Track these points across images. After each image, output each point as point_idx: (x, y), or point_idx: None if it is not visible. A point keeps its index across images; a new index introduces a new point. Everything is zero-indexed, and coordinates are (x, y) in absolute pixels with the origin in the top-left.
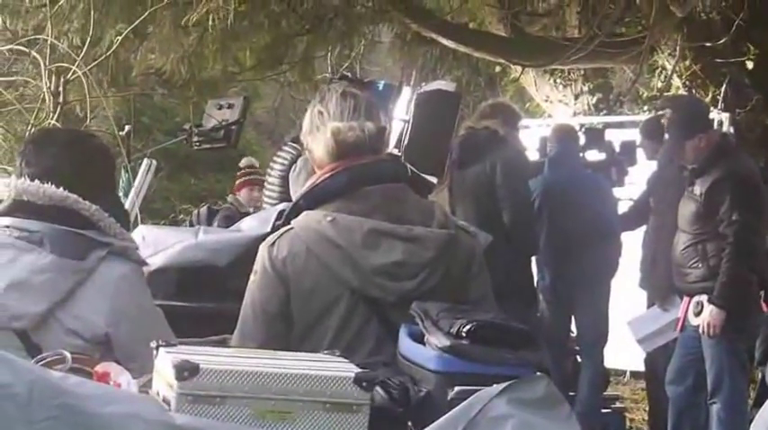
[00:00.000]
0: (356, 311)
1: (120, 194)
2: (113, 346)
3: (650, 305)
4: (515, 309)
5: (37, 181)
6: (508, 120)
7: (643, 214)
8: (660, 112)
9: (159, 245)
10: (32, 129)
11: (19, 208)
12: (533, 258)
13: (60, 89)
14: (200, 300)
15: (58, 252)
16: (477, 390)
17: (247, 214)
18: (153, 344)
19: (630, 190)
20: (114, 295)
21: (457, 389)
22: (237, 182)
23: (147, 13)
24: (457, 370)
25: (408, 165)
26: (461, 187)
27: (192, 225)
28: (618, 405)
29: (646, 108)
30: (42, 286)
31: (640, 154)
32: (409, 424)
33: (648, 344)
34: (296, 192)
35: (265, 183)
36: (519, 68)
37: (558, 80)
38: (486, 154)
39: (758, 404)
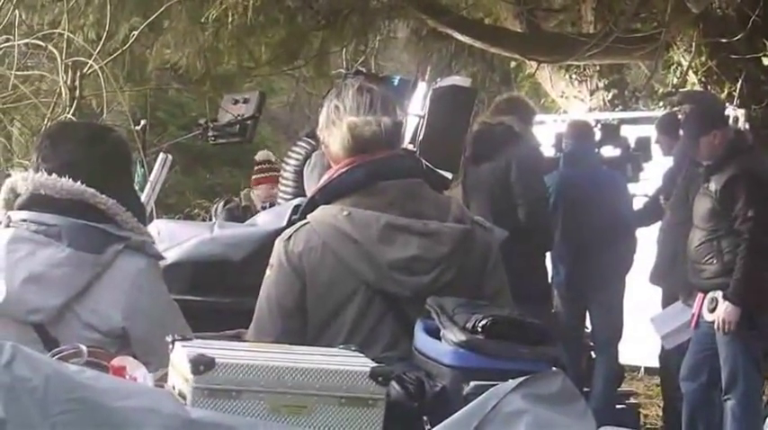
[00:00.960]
0: (372, 306)
1: (136, 189)
2: (130, 341)
3: (665, 301)
4: (530, 304)
5: (54, 175)
6: (523, 115)
7: (658, 210)
8: (677, 108)
9: (174, 239)
10: (48, 124)
11: (36, 202)
12: (548, 254)
13: (76, 83)
14: (215, 295)
15: (75, 246)
16: (492, 386)
17: (247, 208)
18: (168, 339)
19: (646, 186)
20: (131, 289)
21: (472, 384)
22: (255, 177)
23: (162, 8)
24: (472, 365)
25: (423, 161)
26: (475, 183)
27: (211, 218)
28: (632, 401)
29: (661, 104)
30: (60, 280)
31: (656, 150)
32: (425, 418)
33: (672, 340)
34: (310, 187)
35: (280, 178)
36: (534, 64)
37: (574, 76)
38: (501, 150)
39: None
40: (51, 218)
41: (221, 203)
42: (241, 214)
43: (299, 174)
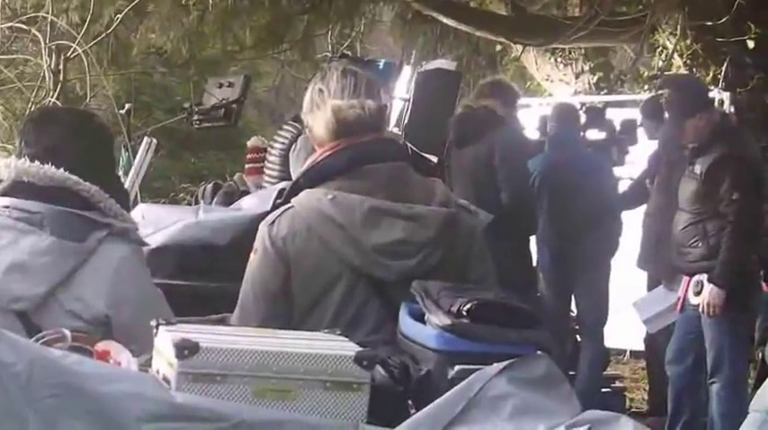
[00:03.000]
0: (357, 290)
1: (120, 173)
2: (113, 328)
3: (650, 285)
4: (514, 289)
5: (37, 161)
6: (506, 99)
7: (643, 193)
8: (660, 92)
9: (159, 223)
10: (32, 108)
11: (19, 189)
12: (533, 238)
13: (60, 67)
14: (200, 279)
15: (57, 234)
16: (477, 369)
17: (247, 193)
18: (153, 323)
19: (631, 169)
20: (114, 277)
21: (457, 367)
22: (247, 166)
23: None
24: (457, 348)
25: (409, 144)
26: (458, 167)
27: (197, 202)
28: (618, 384)
29: (646, 87)
30: (43, 268)
31: (641, 133)
32: (409, 402)
33: (654, 324)
34: (296, 172)
35: (266, 162)
36: (520, 47)
37: (559, 59)
38: (484, 134)
39: (758, 384)
40: (34, 205)
41: (209, 186)
42: (238, 198)
43: (284, 158)
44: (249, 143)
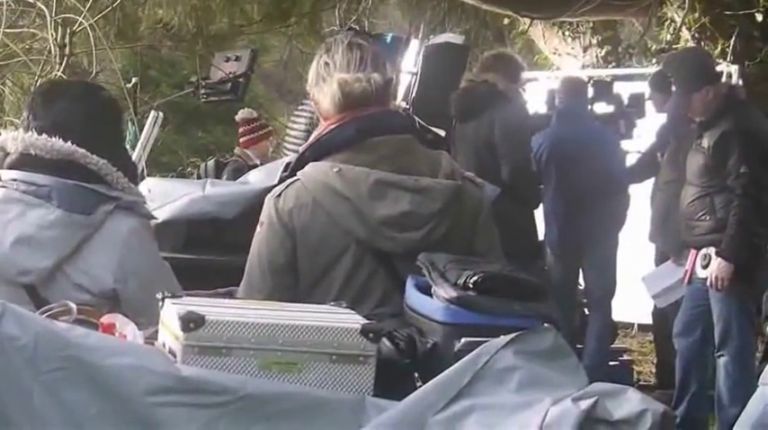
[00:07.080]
0: (363, 263)
1: (127, 147)
2: (121, 301)
3: (659, 259)
4: (519, 262)
5: (45, 135)
6: (509, 72)
7: (651, 167)
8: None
9: (166, 197)
10: (39, 82)
11: (26, 162)
12: (541, 211)
13: (66, 41)
14: (206, 253)
15: (65, 206)
16: (484, 342)
17: (255, 166)
18: (159, 296)
19: (638, 142)
20: (122, 250)
21: (464, 340)
22: (242, 139)
23: None
24: (464, 321)
25: (416, 118)
26: (461, 140)
27: (199, 178)
28: (625, 357)
29: (654, 60)
30: (50, 241)
31: (649, 106)
32: (416, 375)
33: (663, 299)
34: None
35: (286, 137)
36: (527, 21)
37: (567, 32)
38: (485, 109)
39: (765, 357)
40: (42, 178)
41: (211, 163)
42: (247, 172)
43: (309, 135)
44: (238, 116)
